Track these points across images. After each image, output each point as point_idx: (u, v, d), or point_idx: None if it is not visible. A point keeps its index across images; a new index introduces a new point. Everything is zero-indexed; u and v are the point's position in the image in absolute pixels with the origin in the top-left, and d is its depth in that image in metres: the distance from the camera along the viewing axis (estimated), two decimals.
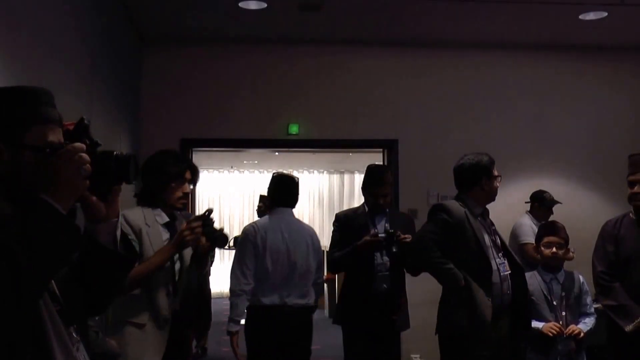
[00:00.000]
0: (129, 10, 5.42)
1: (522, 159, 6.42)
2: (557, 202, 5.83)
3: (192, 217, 2.91)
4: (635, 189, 3.58)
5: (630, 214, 3.71)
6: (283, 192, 4.26)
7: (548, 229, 4.01)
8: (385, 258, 4.21)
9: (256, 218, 14.17)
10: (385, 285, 4.21)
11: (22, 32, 2.87)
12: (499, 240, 3.72)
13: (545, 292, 3.83)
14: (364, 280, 4.24)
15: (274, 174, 4.35)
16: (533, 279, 3.89)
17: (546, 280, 3.86)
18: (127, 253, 1.64)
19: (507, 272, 3.61)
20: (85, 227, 1.52)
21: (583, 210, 6.22)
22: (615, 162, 5.36)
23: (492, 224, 3.78)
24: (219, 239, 2.97)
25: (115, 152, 1.49)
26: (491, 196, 3.73)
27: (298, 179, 4.36)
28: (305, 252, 4.15)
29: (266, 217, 4.28)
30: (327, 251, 4.60)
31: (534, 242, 5.47)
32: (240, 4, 5.30)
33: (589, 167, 6.52)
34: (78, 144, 1.39)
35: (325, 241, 13.85)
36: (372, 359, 4.27)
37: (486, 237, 3.63)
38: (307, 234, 4.26)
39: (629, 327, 3.46)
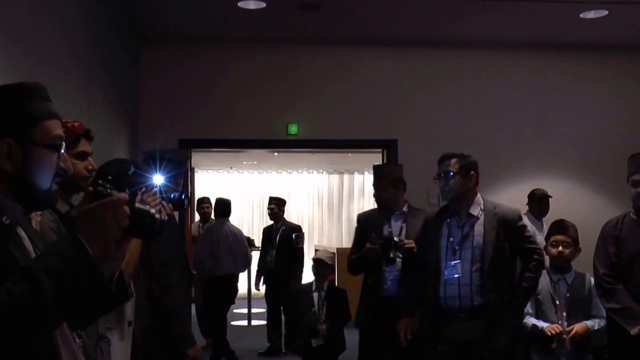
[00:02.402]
0: (127, 9, 5.40)
1: (523, 158, 6.40)
2: (546, 196, 5.84)
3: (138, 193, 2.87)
4: None
5: (631, 214, 3.65)
6: (222, 208, 7.17)
7: (555, 228, 3.96)
8: (398, 260, 4.15)
9: (256, 219, 14.11)
10: (388, 287, 4.18)
11: (18, 33, 2.85)
12: (471, 242, 3.61)
13: (551, 292, 3.80)
14: (373, 282, 4.23)
15: (217, 198, 7.39)
16: (542, 278, 3.86)
17: (553, 280, 3.83)
18: (119, 291, 1.58)
19: (455, 276, 3.58)
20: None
21: (583, 210, 6.19)
22: (616, 162, 5.33)
23: (489, 224, 3.64)
24: (180, 200, 3.01)
25: (151, 212, 1.47)
26: (441, 196, 3.85)
27: (230, 200, 7.37)
28: (235, 242, 7.03)
29: (215, 221, 7.27)
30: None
31: None
32: (239, 4, 5.28)
33: (590, 167, 6.49)
34: (123, 195, 1.39)
35: (325, 241, 13.84)
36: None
37: (444, 239, 3.64)
38: (237, 232, 7.22)
39: (634, 331, 3.41)
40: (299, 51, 6.36)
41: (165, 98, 6.16)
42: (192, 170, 6.89)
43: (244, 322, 9.59)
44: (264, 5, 5.31)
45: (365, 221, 4.43)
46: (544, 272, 3.88)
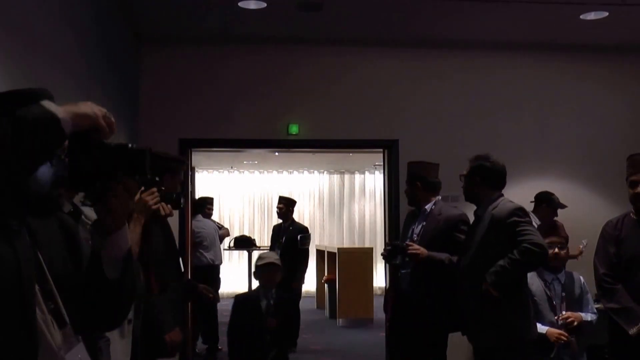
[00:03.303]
0: (126, 9, 5.41)
1: (523, 159, 6.39)
2: (564, 206, 5.79)
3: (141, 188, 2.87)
4: (638, 189, 3.55)
5: (631, 214, 3.67)
6: (203, 206, 7.77)
7: (548, 229, 3.99)
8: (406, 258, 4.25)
9: (257, 219, 14.13)
10: (403, 285, 4.23)
11: (17, 34, 2.86)
12: (474, 245, 3.78)
13: (547, 292, 3.82)
14: (391, 279, 4.33)
15: (198, 198, 8.23)
16: (534, 279, 3.87)
17: (548, 281, 3.84)
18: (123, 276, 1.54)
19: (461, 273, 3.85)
20: (94, 248, 1.49)
21: (584, 211, 6.20)
22: (616, 163, 5.34)
23: (484, 224, 3.78)
24: (178, 199, 3.02)
25: (129, 145, 1.47)
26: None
27: (202, 198, 8.09)
28: (200, 237, 7.46)
29: (198, 218, 7.54)
30: None
31: None
32: (239, 4, 5.29)
33: (590, 168, 6.49)
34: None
35: (327, 241, 13.83)
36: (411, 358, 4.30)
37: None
38: (215, 227, 7.86)
39: (632, 330, 3.43)
40: (300, 51, 6.36)
41: (165, 98, 6.17)
42: (193, 170, 6.89)
43: None
44: (264, 5, 5.32)
45: (405, 219, 4.60)
46: (534, 273, 3.89)
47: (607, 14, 5.55)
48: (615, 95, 6.63)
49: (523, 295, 3.72)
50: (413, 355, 4.28)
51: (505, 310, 3.63)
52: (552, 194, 5.83)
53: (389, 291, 4.47)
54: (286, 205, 7.77)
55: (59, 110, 1.32)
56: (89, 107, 1.40)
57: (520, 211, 3.70)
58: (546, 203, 5.81)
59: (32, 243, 1.43)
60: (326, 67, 6.37)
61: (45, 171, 1.40)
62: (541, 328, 3.72)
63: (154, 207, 2.85)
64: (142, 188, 2.85)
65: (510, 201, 3.82)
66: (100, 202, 1.45)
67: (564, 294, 3.80)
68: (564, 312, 3.77)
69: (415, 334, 4.19)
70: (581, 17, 5.64)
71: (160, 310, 3.21)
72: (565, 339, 3.66)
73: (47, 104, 1.30)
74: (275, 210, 8.23)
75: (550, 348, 3.70)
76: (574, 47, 6.46)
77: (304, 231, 7.70)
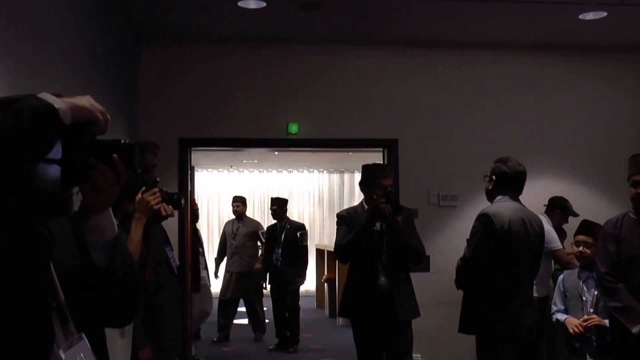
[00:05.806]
0: (126, 8, 5.42)
1: (522, 159, 6.36)
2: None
3: (142, 189, 2.87)
4: None
5: (630, 214, 3.68)
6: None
7: (582, 227, 4.15)
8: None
9: (256, 218, 14.28)
10: (383, 279, 4.24)
11: (18, 32, 2.86)
12: None
13: (579, 289, 3.91)
14: (369, 276, 4.28)
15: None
16: (571, 276, 4.07)
17: (582, 278, 3.92)
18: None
19: None
20: (84, 242, 1.47)
21: (584, 211, 6.19)
22: (614, 162, 5.35)
23: None
24: (179, 199, 3.05)
25: (122, 141, 1.47)
26: None
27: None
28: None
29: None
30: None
31: (561, 247, 5.52)
32: (239, 3, 5.30)
33: (589, 167, 6.51)
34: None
35: (326, 240, 13.84)
36: (382, 352, 4.29)
37: None
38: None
39: (635, 329, 3.44)
40: (299, 50, 6.37)
41: (164, 97, 6.17)
42: (192, 169, 6.90)
43: (246, 321, 9.60)
44: (264, 4, 5.32)
45: (349, 217, 4.51)
46: (575, 271, 4.07)
47: (605, 14, 5.56)
48: (614, 95, 6.64)
49: (489, 287, 3.78)
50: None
51: (471, 301, 3.85)
52: (567, 201, 5.85)
53: (366, 290, 4.38)
54: (279, 206, 7.92)
55: (57, 101, 1.31)
56: (87, 100, 1.41)
57: (481, 216, 3.86)
58: (560, 209, 5.81)
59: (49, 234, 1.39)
60: (326, 67, 6.38)
61: (54, 171, 1.39)
62: (561, 317, 3.89)
63: (156, 207, 2.86)
64: (144, 188, 2.87)
65: (507, 205, 3.93)
66: (88, 181, 1.43)
67: (596, 292, 3.84)
68: (591, 310, 3.82)
69: (399, 323, 4.23)
70: (580, 17, 5.65)
71: (134, 325, 3.17)
72: (579, 330, 3.75)
73: (43, 95, 1.29)
74: None
75: (574, 343, 3.82)
76: (573, 47, 6.47)
77: (302, 228, 7.87)
